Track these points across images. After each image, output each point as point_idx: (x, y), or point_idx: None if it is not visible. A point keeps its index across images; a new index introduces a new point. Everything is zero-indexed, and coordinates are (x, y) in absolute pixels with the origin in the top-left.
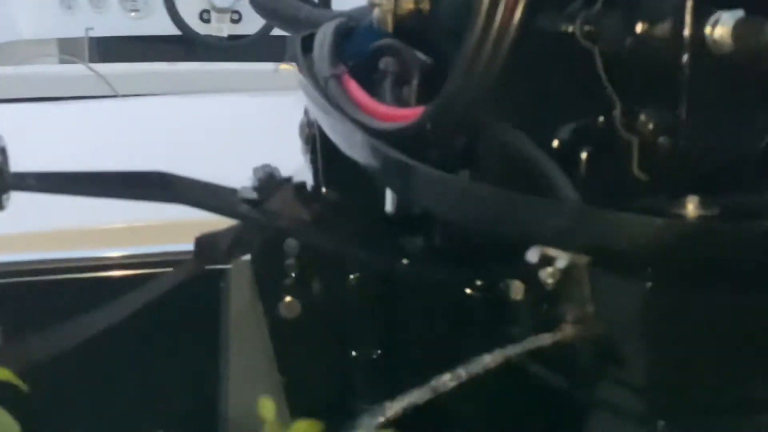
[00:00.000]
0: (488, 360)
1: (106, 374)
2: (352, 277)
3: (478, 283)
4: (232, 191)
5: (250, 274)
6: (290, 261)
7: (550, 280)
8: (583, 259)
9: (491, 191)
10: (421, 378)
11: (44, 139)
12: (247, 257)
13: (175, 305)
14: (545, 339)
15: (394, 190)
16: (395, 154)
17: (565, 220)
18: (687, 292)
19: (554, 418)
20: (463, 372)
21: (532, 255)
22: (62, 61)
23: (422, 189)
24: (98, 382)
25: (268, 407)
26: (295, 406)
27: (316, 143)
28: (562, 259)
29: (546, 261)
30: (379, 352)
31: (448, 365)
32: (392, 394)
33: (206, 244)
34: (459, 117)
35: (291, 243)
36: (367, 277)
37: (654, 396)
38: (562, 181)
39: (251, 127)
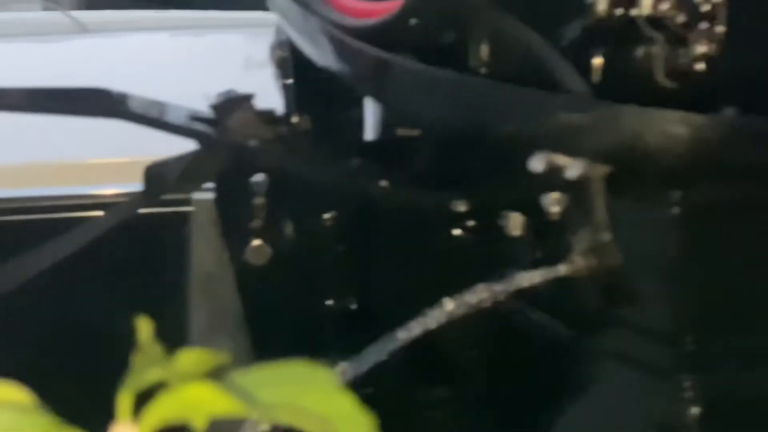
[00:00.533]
0: (474, 298)
1: (67, 325)
2: (326, 216)
3: (469, 222)
4: (186, 110)
5: (213, 216)
6: (258, 200)
7: (555, 208)
8: (598, 170)
9: (491, 84)
10: None
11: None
12: (210, 196)
13: (139, 253)
14: (550, 273)
15: (374, 94)
16: (377, 51)
17: (581, 113)
18: (722, 218)
19: (563, 374)
20: (444, 311)
21: (537, 163)
22: (45, 8)
23: (407, 88)
24: (61, 332)
25: (144, 328)
26: (263, 362)
27: (287, 65)
28: (574, 168)
29: (554, 173)
30: (356, 302)
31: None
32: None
33: (155, 173)
34: (446, 4)
35: (259, 180)
36: (344, 217)
37: (678, 345)
38: (572, 75)
39: (225, 63)
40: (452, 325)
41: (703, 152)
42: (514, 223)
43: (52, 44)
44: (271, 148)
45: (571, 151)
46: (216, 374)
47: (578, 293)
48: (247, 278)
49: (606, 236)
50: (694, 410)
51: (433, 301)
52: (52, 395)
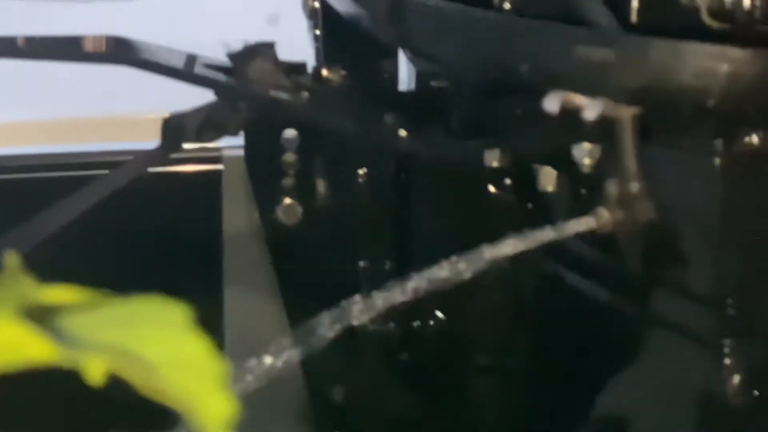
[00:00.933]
0: (495, 252)
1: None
2: (360, 173)
3: (506, 178)
4: (204, 59)
5: (244, 174)
6: (289, 156)
7: (587, 160)
8: (625, 112)
9: (511, 19)
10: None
11: None
12: (240, 153)
13: (172, 213)
14: (574, 227)
15: (393, 37)
16: None
17: (606, 47)
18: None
19: (603, 340)
20: (464, 263)
21: (551, 102)
22: None
23: (424, 27)
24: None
25: (11, 260)
26: (296, 324)
27: (319, 16)
28: (592, 108)
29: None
30: (390, 263)
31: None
32: (406, 312)
33: (173, 126)
34: None
35: (289, 135)
36: (378, 174)
37: (718, 308)
38: (599, 7)
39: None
40: (479, 283)
41: (746, 93)
42: (547, 177)
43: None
44: (296, 99)
45: (597, 91)
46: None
47: (615, 252)
48: (278, 238)
49: (636, 187)
50: (736, 377)
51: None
52: None
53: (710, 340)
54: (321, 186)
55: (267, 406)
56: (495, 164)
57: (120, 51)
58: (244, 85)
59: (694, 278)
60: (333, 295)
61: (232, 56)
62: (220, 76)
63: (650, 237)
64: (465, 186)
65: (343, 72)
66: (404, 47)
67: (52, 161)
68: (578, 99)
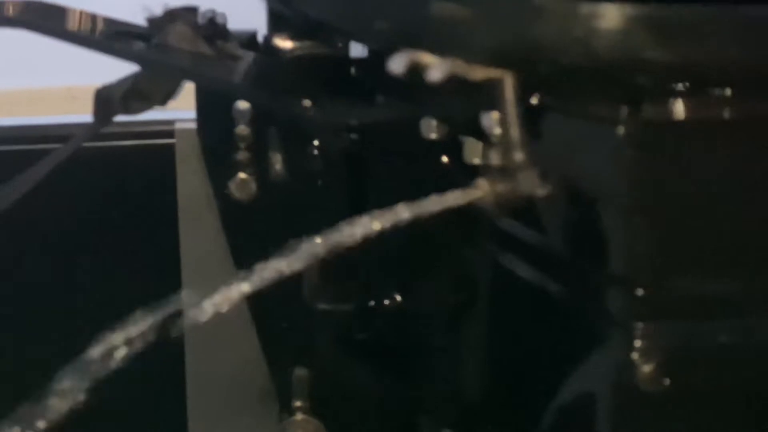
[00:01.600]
0: (375, 222)
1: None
2: (314, 145)
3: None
4: (121, 25)
5: (197, 148)
6: (242, 129)
7: (497, 130)
8: (504, 74)
9: None
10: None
11: None
12: (193, 126)
13: (125, 189)
14: (453, 199)
15: None
16: None
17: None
18: (677, 141)
19: (521, 317)
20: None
21: (397, 63)
22: None
23: None
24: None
25: None
26: (254, 303)
27: None
28: (438, 68)
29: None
30: None
31: (425, 252)
32: (364, 291)
33: (103, 97)
34: None
35: (242, 107)
36: (332, 146)
37: (629, 290)
38: None
39: None
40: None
41: (639, 52)
42: (471, 150)
43: None
44: (217, 68)
45: (457, 51)
46: None
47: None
48: (232, 213)
49: (519, 156)
50: (648, 364)
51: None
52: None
53: (621, 323)
54: (275, 159)
55: (232, 390)
56: (433, 136)
57: (34, 17)
58: (162, 53)
59: (602, 256)
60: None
61: (151, 21)
62: (137, 45)
63: (557, 210)
64: (417, 159)
65: (289, 40)
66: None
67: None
68: (425, 58)
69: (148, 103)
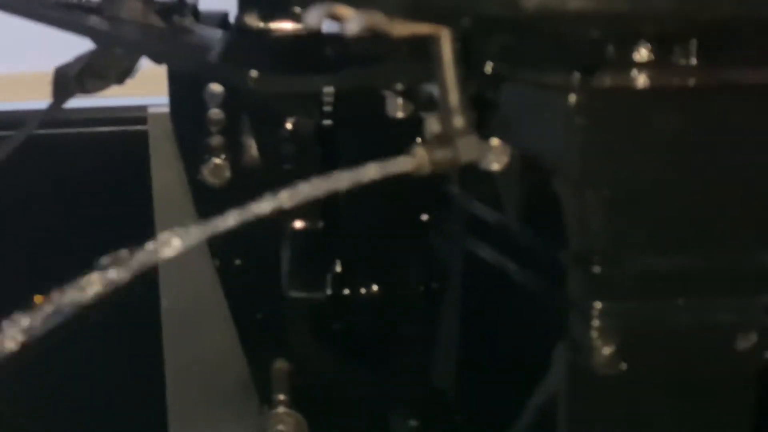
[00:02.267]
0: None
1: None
2: (289, 125)
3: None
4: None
5: (170, 132)
6: (214, 112)
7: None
8: (441, 31)
9: None
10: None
11: None
12: (166, 110)
13: (99, 176)
14: (389, 167)
15: None
16: None
17: None
18: (632, 109)
19: (487, 301)
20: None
21: (312, 16)
22: None
23: None
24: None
25: None
26: (230, 292)
27: None
28: (354, 21)
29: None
30: (321, 222)
31: (399, 239)
32: (343, 275)
33: (60, 76)
34: None
35: (214, 90)
36: (304, 127)
37: (585, 267)
38: None
39: None
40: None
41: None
42: (432, 125)
43: None
44: (170, 44)
45: (382, 4)
46: None
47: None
48: (206, 199)
49: (459, 121)
50: (605, 346)
51: (403, 219)
52: None
53: (578, 303)
54: (248, 144)
55: (211, 383)
56: (399, 115)
57: None
58: (112, 26)
59: (557, 233)
60: (265, 259)
61: None
62: (89, 18)
63: (511, 186)
64: (386, 139)
65: (257, 16)
66: None
67: None
68: (342, 11)
69: (103, 81)
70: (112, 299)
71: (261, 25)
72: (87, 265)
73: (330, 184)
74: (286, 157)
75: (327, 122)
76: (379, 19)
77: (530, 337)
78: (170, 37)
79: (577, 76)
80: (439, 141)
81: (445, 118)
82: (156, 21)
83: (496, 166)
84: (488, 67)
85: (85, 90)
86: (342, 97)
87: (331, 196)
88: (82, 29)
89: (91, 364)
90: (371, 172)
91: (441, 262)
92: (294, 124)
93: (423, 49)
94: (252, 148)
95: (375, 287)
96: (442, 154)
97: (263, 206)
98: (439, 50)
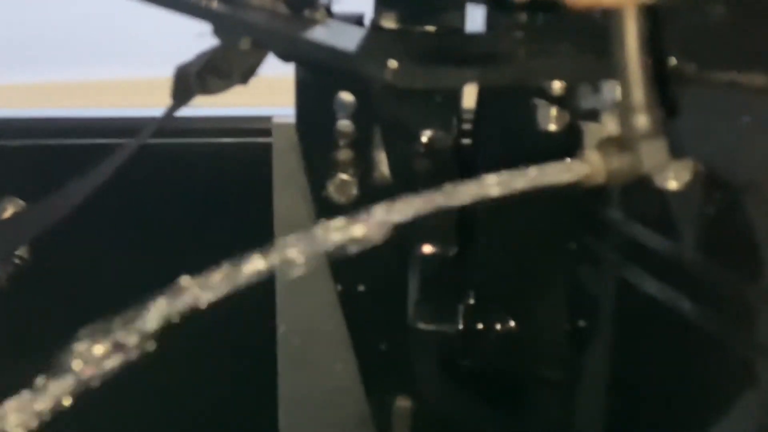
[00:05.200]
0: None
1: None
2: (424, 139)
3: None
4: None
5: (295, 144)
6: (343, 125)
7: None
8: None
9: None
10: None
11: None
12: (291, 120)
13: (220, 190)
14: (550, 174)
15: None
16: None
17: None
18: None
19: (672, 355)
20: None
21: None
22: None
23: None
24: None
25: None
26: (352, 320)
27: None
28: None
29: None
30: (455, 247)
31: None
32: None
33: (181, 75)
34: None
35: (344, 99)
36: (442, 141)
37: None
38: None
39: None
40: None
41: None
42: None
43: None
44: (301, 34)
45: None
46: None
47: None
48: (329, 217)
49: (644, 120)
50: None
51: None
52: None
53: None
54: (379, 159)
55: (326, 418)
56: (552, 128)
57: None
58: (239, 14)
59: (754, 268)
60: (391, 284)
61: None
62: (216, 5)
63: (694, 209)
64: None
65: (394, 18)
66: None
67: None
68: None
69: (226, 80)
70: (228, 324)
71: (398, 26)
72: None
73: (478, 191)
74: (419, 174)
75: (465, 141)
76: None
77: (704, 386)
78: (301, 26)
79: None
80: (617, 145)
81: (627, 116)
82: (285, 11)
83: (674, 185)
84: (671, 62)
85: (207, 90)
86: (484, 112)
87: (467, 216)
88: (206, 14)
89: (202, 391)
90: (527, 178)
91: (591, 297)
92: (430, 139)
93: (590, 41)
94: (382, 163)
95: (512, 323)
96: (621, 161)
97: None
98: (621, 29)
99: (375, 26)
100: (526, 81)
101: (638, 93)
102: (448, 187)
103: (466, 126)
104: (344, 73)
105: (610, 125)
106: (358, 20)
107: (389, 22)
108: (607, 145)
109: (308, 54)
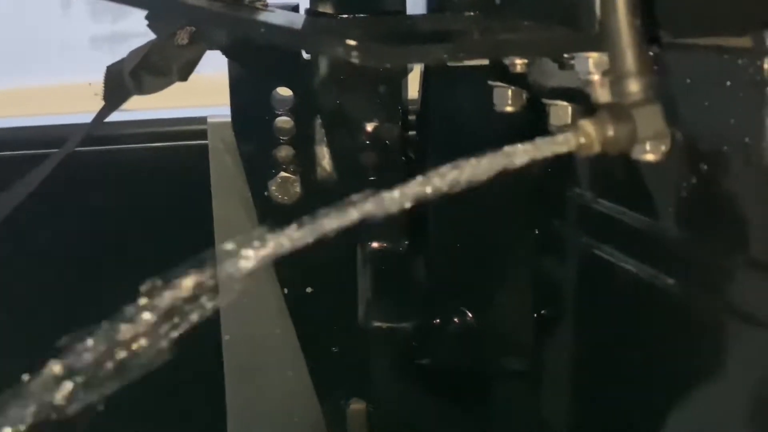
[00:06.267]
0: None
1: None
2: (369, 131)
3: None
4: None
5: (232, 143)
6: (282, 120)
7: (595, 77)
8: None
9: None
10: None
11: None
12: (227, 119)
13: (154, 193)
14: (546, 147)
15: None
16: None
17: None
18: None
19: (641, 327)
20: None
21: None
22: None
23: None
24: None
25: None
26: (301, 324)
27: None
28: None
29: None
30: (407, 246)
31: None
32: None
33: (113, 75)
34: None
35: (282, 94)
36: (389, 131)
37: None
38: None
39: None
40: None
41: None
42: (560, 114)
43: None
44: (243, 17)
45: None
46: None
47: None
48: (272, 219)
49: (636, 86)
50: None
51: (505, 233)
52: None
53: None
54: (321, 154)
55: (277, 425)
56: (508, 108)
57: None
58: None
59: (739, 237)
60: (340, 284)
61: None
62: None
63: (684, 178)
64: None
65: (331, 6)
66: None
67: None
68: None
69: (164, 78)
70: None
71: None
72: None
73: (464, 174)
74: (365, 167)
75: (410, 128)
76: None
77: (673, 366)
78: (246, 12)
79: None
80: (611, 113)
81: (619, 83)
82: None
83: (650, 156)
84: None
85: (144, 90)
86: (430, 99)
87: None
88: (145, 2)
89: (148, 405)
90: (520, 154)
91: (553, 283)
92: (375, 130)
93: (554, 15)
94: (325, 159)
95: (470, 316)
96: (616, 129)
97: (379, 203)
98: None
99: (313, 14)
100: (496, 56)
101: (630, 59)
102: (430, 174)
103: (412, 117)
104: (282, 68)
105: (601, 94)
106: (293, 10)
107: (327, 9)
108: (601, 113)
109: (257, 38)
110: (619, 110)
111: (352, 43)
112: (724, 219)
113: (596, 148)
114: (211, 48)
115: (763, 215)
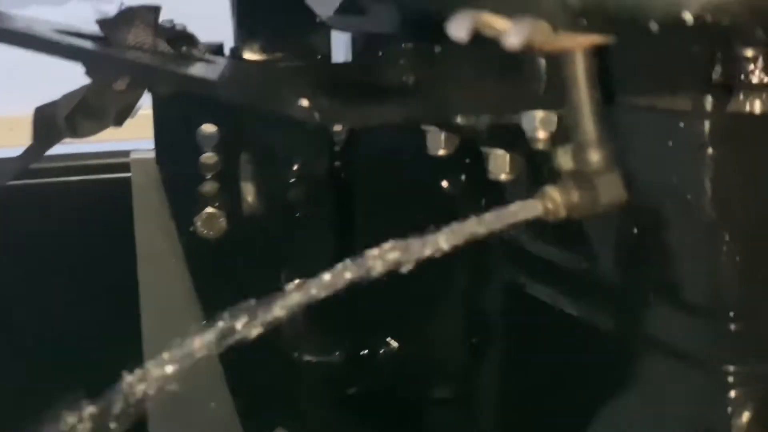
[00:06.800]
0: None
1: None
2: (293, 170)
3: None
4: (73, 28)
5: (156, 179)
6: (207, 156)
7: (541, 133)
8: (578, 42)
9: None
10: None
11: None
12: (151, 155)
13: (77, 229)
14: (513, 214)
15: None
16: None
17: None
18: None
19: (569, 362)
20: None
21: (458, 27)
22: None
23: None
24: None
25: None
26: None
27: None
28: (515, 33)
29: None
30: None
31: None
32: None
33: (44, 116)
34: None
35: (207, 131)
36: (315, 170)
37: (717, 321)
38: None
39: None
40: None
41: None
42: (498, 163)
43: None
44: (179, 70)
45: (525, 8)
46: None
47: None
48: (199, 253)
49: (596, 156)
50: (744, 413)
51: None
52: None
53: (709, 364)
54: (247, 190)
55: None
56: (441, 152)
57: None
58: (116, 53)
59: (683, 281)
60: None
61: (103, 23)
62: (86, 44)
63: (624, 227)
64: (415, 182)
65: (258, 48)
66: None
67: None
68: (495, 21)
69: (99, 122)
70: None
71: (261, 57)
72: (67, 319)
73: (427, 249)
74: (293, 203)
75: (338, 163)
76: (541, 30)
77: (627, 403)
78: (185, 63)
79: (709, 99)
80: (574, 180)
81: (580, 152)
82: (166, 49)
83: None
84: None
85: (78, 133)
86: (360, 137)
87: (344, 239)
88: (81, 55)
89: None
90: (486, 223)
91: (483, 312)
92: (303, 166)
93: (498, 71)
94: (250, 194)
95: (395, 344)
96: (580, 196)
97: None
98: (573, 70)
99: (238, 58)
100: (449, 117)
101: (590, 129)
102: (399, 244)
103: (338, 148)
104: (207, 104)
105: (564, 161)
106: (217, 50)
107: (252, 53)
108: (565, 180)
109: (200, 92)
110: (581, 177)
111: (307, 104)
112: (661, 266)
113: (562, 213)
114: (150, 92)
115: (699, 265)
